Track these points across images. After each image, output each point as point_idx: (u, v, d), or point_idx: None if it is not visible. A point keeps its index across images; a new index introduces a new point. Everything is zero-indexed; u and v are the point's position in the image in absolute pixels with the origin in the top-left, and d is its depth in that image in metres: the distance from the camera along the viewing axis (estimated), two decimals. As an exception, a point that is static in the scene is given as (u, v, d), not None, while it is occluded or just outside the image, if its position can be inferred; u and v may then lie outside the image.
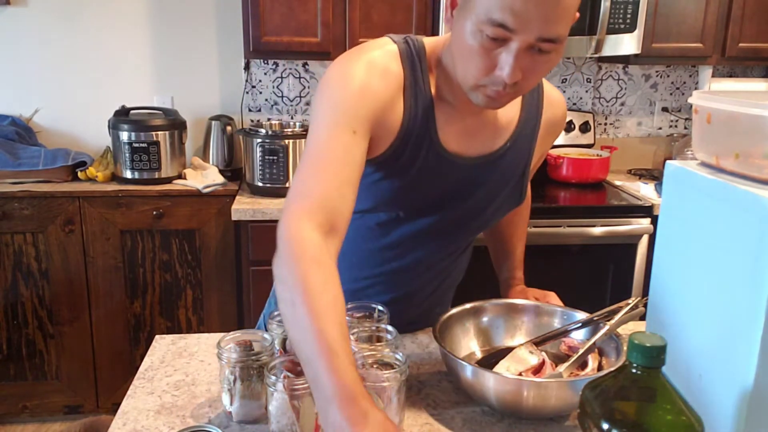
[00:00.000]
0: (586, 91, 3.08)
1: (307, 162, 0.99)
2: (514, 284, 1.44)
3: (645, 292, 1.65)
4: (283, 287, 0.89)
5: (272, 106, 2.92)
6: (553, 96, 1.24)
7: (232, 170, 2.74)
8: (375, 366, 0.97)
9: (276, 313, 1.13)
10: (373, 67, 1.04)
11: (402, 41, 1.09)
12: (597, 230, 2.47)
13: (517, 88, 0.99)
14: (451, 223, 1.19)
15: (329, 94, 1.03)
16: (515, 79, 0.95)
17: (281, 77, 2.89)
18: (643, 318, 1.09)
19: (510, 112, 1.17)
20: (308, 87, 2.91)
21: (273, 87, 2.90)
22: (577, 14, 0.95)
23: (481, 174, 1.16)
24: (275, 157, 2.50)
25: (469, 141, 1.13)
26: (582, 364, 1.09)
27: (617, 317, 1.13)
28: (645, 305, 1.07)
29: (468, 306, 1.24)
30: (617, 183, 2.83)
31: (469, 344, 1.22)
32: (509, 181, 1.20)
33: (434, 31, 2.52)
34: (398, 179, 1.11)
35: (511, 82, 0.96)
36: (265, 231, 2.38)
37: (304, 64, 2.87)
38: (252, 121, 2.91)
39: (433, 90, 1.09)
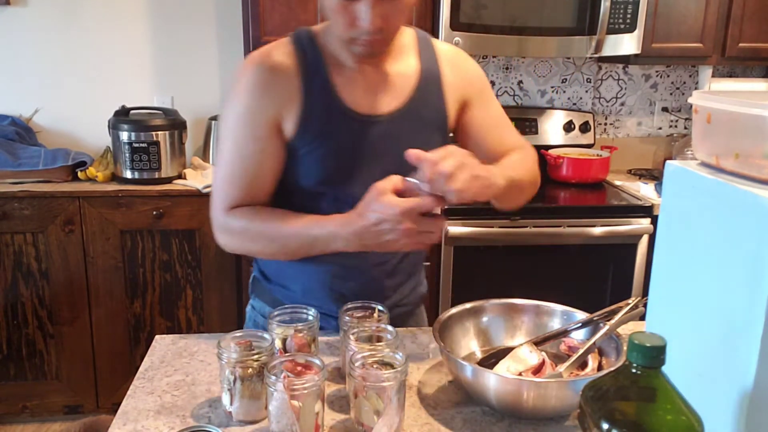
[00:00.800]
0: (586, 91, 3.08)
1: (221, 165, 1.21)
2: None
3: (645, 292, 1.65)
4: (252, 242, 1.21)
5: (272, 106, 2.92)
6: (444, 47, 1.34)
7: (232, 170, 2.74)
8: (375, 366, 0.97)
9: (276, 312, 1.13)
10: (262, 70, 1.18)
11: (295, 32, 1.24)
12: (597, 230, 2.47)
13: (385, 33, 1.13)
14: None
15: (231, 106, 1.20)
16: (376, 25, 1.10)
17: (281, 77, 2.89)
18: (643, 318, 1.09)
19: (409, 66, 1.27)
20: (308, 87, 2.91)
21: (273, 87, 2.90)
22: None
23: (397, 128, 1.23)
24: (275, 157, 2.50)
25: (375, 98, 1.23)
26: (582, 364, 1.09)
27: (617, 317, 1.13)
28: (645, 305, 1.07)
29: (468, 306, 1.24)
30: (617, 183, 2.84)
31: (469, 344, 1.22)
32: (430, 136, 1.27)
33: (434, 32, 2.52)
34: (321, 149, 1.20)
35: (373, 29, 1.10)
36: (265, 231, 2.38)
37: (304, 64, 2.87)
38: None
39: (326, 60, 1.21)
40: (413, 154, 1.05)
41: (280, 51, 1.21)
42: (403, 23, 1.18)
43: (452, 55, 1.33)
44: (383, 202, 1.05)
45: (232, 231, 1.22)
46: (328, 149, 1.21)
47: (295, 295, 1.31)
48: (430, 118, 1.27)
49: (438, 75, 1.28)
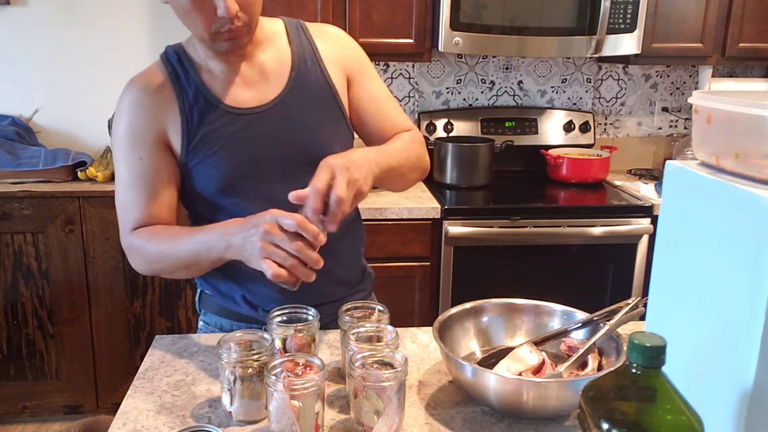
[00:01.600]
0: (586, 91, 3.08)
1: (119, 190, 1.23)
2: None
3: (645, 292, 1.66)
4: (155, 263, 1.21)
5: (272, 106, 2.92)
6: (317, 26, 1.35)
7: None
8: (375, 366, 0.97)
9: (276, 312, 1.13)
10: (136, 91, 1.20)
11: (164, 51, 1.26)
12: (597, 230, 2.47)
13: (246, 20, 1.14)
14: (287, 172, 1.23)
15: (115, 131, 1.22)
16: (234, 10, 1.10)
17: (281, 77, 2.89)
18: (643, 318, 1.09)
19: (280, 55, 1.27)
20: (308, 87, 2.91)
21: (273, 87, 2.90)
22: None
23: (286, 114, 1.24)
24: (275, 157, 2.50)
25: (255, 90, 1.24)
26: (582, 364, 1.09)
27: (617, 317, 1.13)
28: (645, 305, 1.07)
29: (468, 306, 1.24)
30: (617, 183, 2.84)
31: (469, 344, 1.22)
32: (323, 113, 1.27)
33: (434, 32, 2.52)
34: (212, 155, 1.20)
35: (233, 15, 1.10)
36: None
37: (304, 64, 2.87)
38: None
39: (197, 68, 1.23)
40: (293, 195, 1.04)
41: (152, 70, 1.24)
42: (259, 7, 1.18)
43: (327, 32, 1.35)
44: (268, 212, 1.04)
45: (134, 252, 1.23)
46: (220, 153, 1.20)
47: (238, 302, 1.30)
48: (316, 96, 1.27)
49: (312, 51, 1.29)
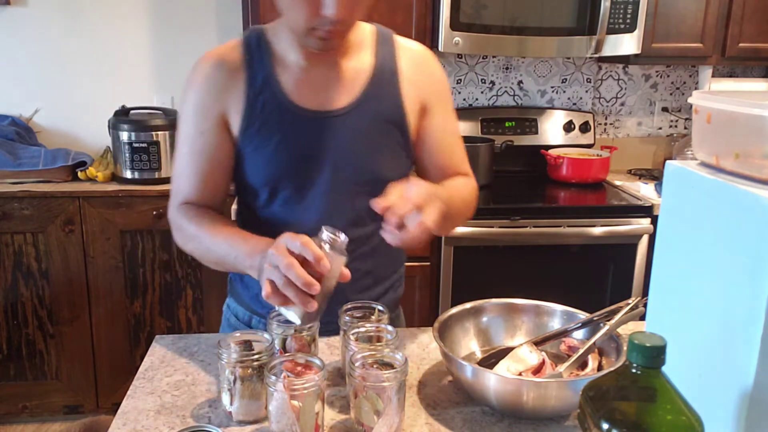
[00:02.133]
0: (586, 91, 3.08)
1: (175, 167, 1.24)
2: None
3: (645, 292, 1.65)
4: (190, 243, 1.21)
5: (272, 106, 2.91)
6: (409, 44, 1.30)
7: (232, 170, 2.74)
8: (375, 366, 0.97)
9: (275, 312, 1.13)
10: (208, 66, 1.20)
11: (245, 31, 1.24)
12: (597, 230, 2.47)
13: (345, 25, 1.10)
14: (338, 184, 1.21)
15: (182, 104, 1.22)
16: (342, 16, 1.06)
17: (281, 77, 2.89)
18: (643, 318, 1.09)
19: (362, 62, 1.23)
20: (308, 87, 2.91)
21: (273, 87, 2.90)
22: None
23: (350, 125, 1.20)
24: (275, 157, 2.50)
25: (325, 95, 1.20)
26: (582, 364, 1.09)
27: (617, 317, 1.13)
28: (645, 305, 1.07)
29: (468, 306, 1.24)
30: (617, 183, 2.83)
31: (469, 344, 1.22)
32: (387, 132, 1.22)
33: (434, 32, 2.52)
34: (266, 147, 1.18)
35: (339, 18, 1.06)
36: (265, 231, 2.38)
37: (304, 64, 2.87)
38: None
39: (274, 58, 1.20)
40: (380, 205, 1.00)
41: (229, 48, 1.22)
42: (361, 15, 1.15)
43: (416, 54, 1.29)
44: (282, 235, 0.99)
45: (176, 228, 1.23)
46: (274, 147, 1.18)
47: (256, 299, 1.28)
48: (385, 114, 1.22)
49: (395, 70, 1.24)
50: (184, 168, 1.22)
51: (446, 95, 1.32)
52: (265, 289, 0.96)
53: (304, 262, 0.95)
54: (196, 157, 1.20)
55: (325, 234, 0.98)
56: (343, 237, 0.99)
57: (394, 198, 1.01)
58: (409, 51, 1.28)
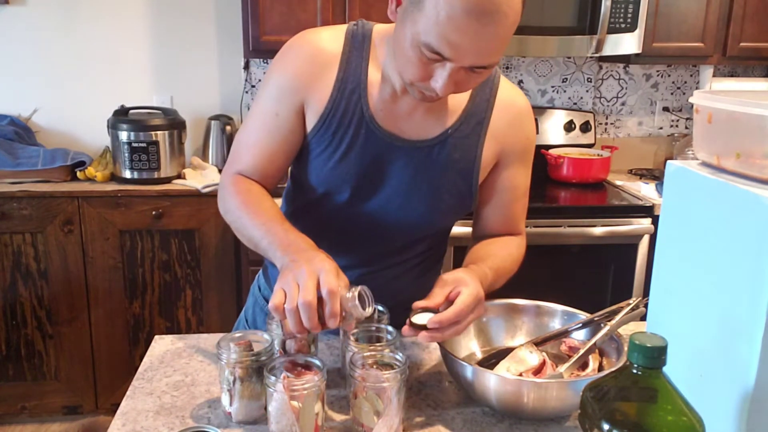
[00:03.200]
0: (587, 91, 3.08)
1: (242, 133, 1.20)
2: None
3: (646, 292, 1.65)
4: (230, 214, 1.15)
5: (272, 105, 2.91)
6: (509, 92, 1.22)
7: (232, 170, 2.73)
8: (375, 366, 0.97)
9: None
10: (306, 51, 1.15)
11: (353, 23, 1.18)
12: (598, 230, 2.46)
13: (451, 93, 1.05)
14: (386, 213, 1.19)
15: (269, 74, 1.18)
16: (448, 92, 1.02)
17: (281, 77, 2.88)
18: (643, 318, 1.09)
19: (454, 101, 1.17)
20: (308, 87, 2.91)
21: (273, 87, 2.89)
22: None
23: (416, 160, 1.16)
24: (275, 157, 2.50)
25: (405, 122, 1.15)
26: (583, 365, 1.09)
27: (618, 317, 1.12)
28: (646, 305, 1.07)
29: (468, 306, 1.23)
30: (618, 183, 2.83)
31: (469, 344, 1.21)
32: (450, 180, 1.18)
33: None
34: (332, 153, 1.15)
35: (444, 95, 1.02)
36: (265, 231, 2.38)
37: (304, 64, 2.87)
38: (252, 120, 2.91)
39: (370, 68, 1.14)
40: (420, 304, 1.01)
41: (332, 36, 1.16)
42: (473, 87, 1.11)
43: (513, 109, 1.21)
44: (327, 261, 0.96)
45: (222, 194, 1.19)
46: (340, 156, 1.15)
47: None
48: (458, 162, 1.17)
49: (483, 119, 1.19)
50: (250, 140, 1.18)
51: (529, 153, 1.27)
52: (274, 299, 0.93)
53: (320, 300, 0.92)
54: (264, 134, 1.17)
55: (358, 300, 0.95)
56: (369, 310, 0.96)
57: (439, 301, 1.01)
58: (507, 102, 1.21)
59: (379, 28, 1.18)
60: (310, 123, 1.15)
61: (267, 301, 1.31)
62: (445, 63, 0.97)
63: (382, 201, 1.18)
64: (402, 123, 1.15)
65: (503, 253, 1.25)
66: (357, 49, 1.15)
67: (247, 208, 1.12)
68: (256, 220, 1.10)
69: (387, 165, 1.16)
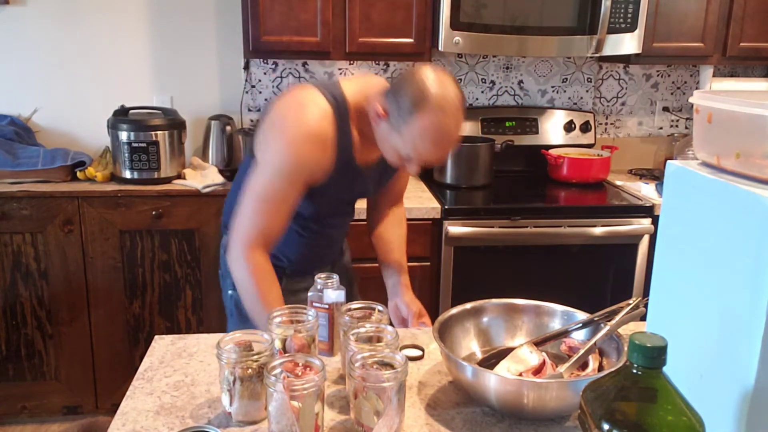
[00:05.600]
0: (587, 91, 3.08)
1: (257, 205, 1.39)
2: (402, 291, 1.65)
3: (646, 292, 1.65)
4: (245, 292, 1.40)
5: (272, 105, 2.91)
6: None
7: (232, 170, 2.73)
8: (375, 366, 0.97)
9: (275, 314, 1.13)
10: (308, 139, 1.35)
11: (331, 99, 1.39)
12: (598, 230, 2.46)
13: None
14: (352, 207, 1.66)
15: (274, 156, 1.38)
16: (418, 173, 1.47)
17: (281, 77, 2.89)
18: (643, 318, 1.09)
19: None
20: (308, 87, 2.90)
21: (273, 86, 2.89)
22: None
23: (378, 172, 1.55)
24: (275, 157, 2.50)
25: (373, 153, 1.46)
26: (583, 365, 1.09)
27: (618, 317, 1.12)
28: (646, 305, 1.07)
29: (468, 306, 1.24)
30: (618, 183, 2.83)
31: (469, 345, 1.21)
32: (388, 177, 1.62)
33: (434, 31, 2.52)
34: (328, 191, 1.45)
35: (415, 174, 1.53)
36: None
37: (304, 64, 2.87)
38: (251, 120, 2.91)
39: (353, 133, 1.42)
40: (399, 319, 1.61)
41: (323, 118, 1.36)
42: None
43: None
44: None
45: (239, 268, 1.39)
46: (333, 191, 1.46)
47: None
48: (389, 164, 1.46)
49: None
50: (276, 215, 1.39)
51: None
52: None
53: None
54: (286, 206, 1.39)
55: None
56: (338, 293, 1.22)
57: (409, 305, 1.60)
58: None
59: (350, 94, 1.41)
60: (312, 184, 1.41)
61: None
62: (416, 161, 1.35)
63: (353, 207, 1.65)
64: (371, 155, 1.47)
65: (402, 236, 1.75)
66: (342, 124, 1.39)
67: (259, 291, 1.37)
68: (264, 314, 1.28)
69: (358, 185, 1.53)
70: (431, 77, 1.28)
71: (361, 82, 1.46)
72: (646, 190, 2.68)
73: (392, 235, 1.72)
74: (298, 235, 1.55)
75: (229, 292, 1.60)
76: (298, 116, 1.36)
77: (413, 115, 1.27)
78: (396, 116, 1.30)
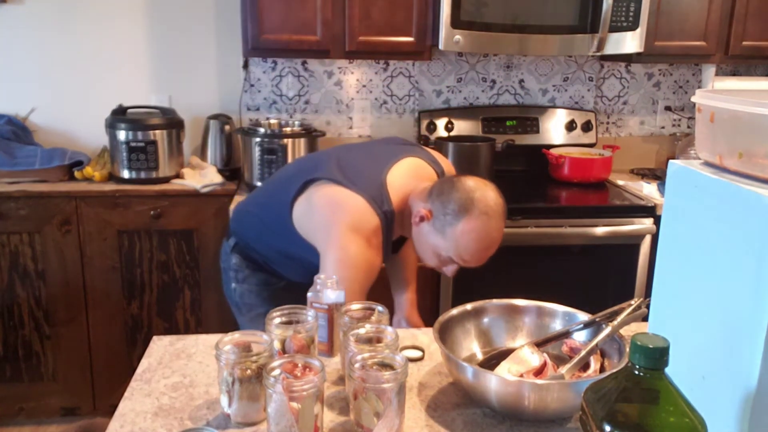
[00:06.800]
0: (588, 90, 3.07)
1: (356, 282, 1.41)
2: (408, 308, 1.84)
3: (648, 292, 1.64)
4: None
5: (271, 104, 2.90)
6: None
7: (231, 170, 2.72)
8: (375, 367, 0.97)
9: (275, 314, 1.12)
10: (366, 253, 1.43)
11: (382, 215, 1.45)
12: (599, 230, 2.46)
13: None
14: None
15: (354, 270, 1.41)
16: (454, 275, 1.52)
17: (280, 76, 2.88)
18: (645, 319, 1.08)
19: None
20: (307, 85, 2.90)
21: (272, 86, 2.89)
22: None
23: None
24: (274, 157, 2.49)
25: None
26: (584, 366, 1.09)
27: (620, 318, 1.12)
28: (648, 306, 1.06)
29: (469, 307, 1.23)
30: (620, 182, 2.82)
31: (470, 345, 1.21)
32: None
33: (435, 30, 2.51)
34: None
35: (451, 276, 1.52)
36: (264, 231, 2.37)
37: (303, 63, 2.86)
38: (250, 120, 2.90)
39: (395, 232, 1.52)
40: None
41: (374, 233, 1.43)
42: None
43: None
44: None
45: None
46: None
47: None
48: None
49: None
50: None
51: None
52: None
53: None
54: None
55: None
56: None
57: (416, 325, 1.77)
58: None
59: (395, 201, 1.47)
60: None
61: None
62: (456, 263, 1.44)
63: None
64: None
65: (413, 253, 1.78)
66: (388, 232, 1.48)
67: None
68: None
69: None
70: (476, 185, 1.40)
71: (405, 182, 1.51)
72: (647, 190, 2.67)
73: (403, 253, 1.80)
74: (306, 271, 1.57)
75: (233, 285, 1.59)
76: (359, 244, 1.42)
77: (459, 219, 1.37)
78: (441, 218, 1.39)
